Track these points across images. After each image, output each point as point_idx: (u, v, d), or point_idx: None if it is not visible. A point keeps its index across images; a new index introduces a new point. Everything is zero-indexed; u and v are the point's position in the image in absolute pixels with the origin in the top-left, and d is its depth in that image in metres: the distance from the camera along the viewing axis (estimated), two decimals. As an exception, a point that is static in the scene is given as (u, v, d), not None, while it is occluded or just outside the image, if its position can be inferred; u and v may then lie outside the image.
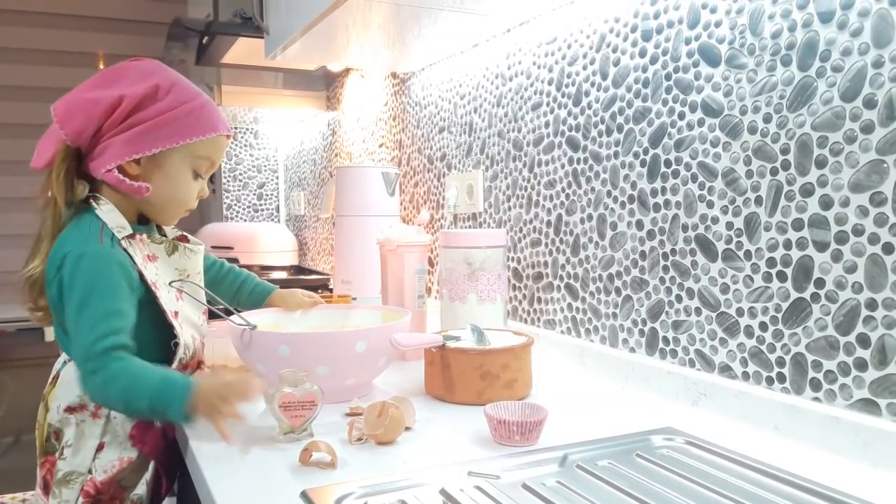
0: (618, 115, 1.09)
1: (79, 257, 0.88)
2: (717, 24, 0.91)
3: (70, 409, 0.94)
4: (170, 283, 0.98)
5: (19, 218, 2.77)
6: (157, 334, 0.95)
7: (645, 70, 1.03)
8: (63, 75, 2.82)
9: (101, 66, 2.90)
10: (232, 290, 1.17)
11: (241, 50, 1.97)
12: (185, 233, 1.09)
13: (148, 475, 0.96)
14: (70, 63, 2.83)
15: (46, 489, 0.96)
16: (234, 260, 1.68)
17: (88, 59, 2.87)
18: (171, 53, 2.17)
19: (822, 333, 0.79)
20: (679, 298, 0.98)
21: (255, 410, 0.95)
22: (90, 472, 0.93)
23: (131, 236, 0.95)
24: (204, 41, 2.00)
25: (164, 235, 1.05)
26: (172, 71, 0.98)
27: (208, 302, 1.05)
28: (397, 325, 1.00)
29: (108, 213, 0.94)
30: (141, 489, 0.96)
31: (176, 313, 0.97)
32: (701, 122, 0.94)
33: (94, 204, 0.94)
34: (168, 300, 0.96)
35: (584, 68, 1.16)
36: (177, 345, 0.95)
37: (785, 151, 0.83)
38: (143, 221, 1.02)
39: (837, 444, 0.75)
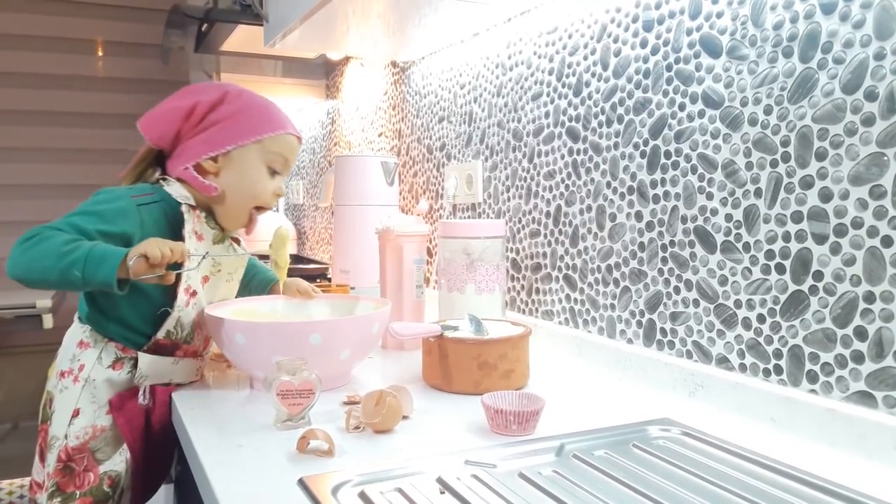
0: (618, 105, 1.09)
1: (105, 190, 0.96)
2: (719, 15, 0.91)
3: (61, 374, 0.98)
4: (202, 257, 0.99)
5: (18, 205, 2.77)
6: (162, 300, 0.97)
7: (646, 61, 1.03)
8: (61, 62, 2.82)
9: (100, 53, 2.90)
10: (245, 278, 1.20)
11: (241, 37, 1.96)
12: (239, 238, 1.12)
13: (128, 454, 0.97)
14: (69, 50, 2.82)
15: (42, 457, 0.98)
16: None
17: (87, 45, 2.86)
18: (169, 41, 2.16)
19: (820, 326, 0.79)
20: (677, 290, 0.98)
21: (239, 397, 0.96)
22: (66, 437, 0.95)
23: (193, 207, 0.99)
24: (203, 28, 1.99)
25: (223, 230, 1.06)
26: (243, 86, 1.06)
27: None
28: (354, 319, 0.99)
29: (175, 187, 1.00)
30: (119, 466, 0.97)
31: (194, 293, 0.98)
32: (701, 114, 0.94)
33: (162, 183, 1.00)
34: (192, 275, 0.98)
35: (585, 58, 1.16)
36: (167, 313, 0.96)
37: (785, 143, 0.83)
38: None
39: (833, 436, 0.76)
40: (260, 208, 1.05)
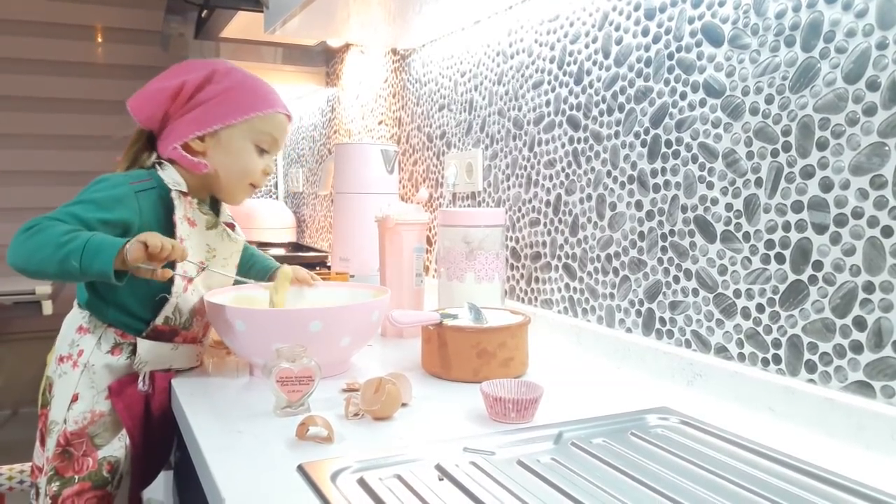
0: (619, 94, 1.08)
1: (103, 178, 0.95)
2: (721, 4, 0.90)
3: (60, 359, 0.98)
4: (199, 265, 1.00)
5: (18, 192, 2.76)
6: (160, 285, 0.96)
7: (647, 49, 1.03)
8: (61, 48, 2.80)
9: (100, 40, 2.88)
10: (245, 267, 1.20)
11: (241, 24, 1.95)
12: (234, 223, 1.11)
13: (127, 439, 0.98)
14: (68, 36, 2.80)
15: (43, 442, 0.99)
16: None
17: (86, 31, 2.85)
18: (169, 27, 2.15)
19: (819, 316, 0.79)
20: (677, 279, 0.98)
21: (238, 384, 0.96)
22: (64, 422, 0.96)
23: (184, 194, 0.99)
24: (203, 15, 1.98)
25: (217, 216, 1.06)
26: (232, 64, 1.04)
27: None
28: (354, 306, 0.98)
29: (169, 172, 0.99)
30: (118, 451, 0.97)
31: (191, 279, 0.99)
32: (703, 103, 0.93)
33: (157, 167, 1.00)
34: (188, 264, 0.97)
35: (587, 47, 1.15)
36: (165, 299, 0.96)
37: (786, 133, 0.82)
38: (214, 203, 1.08)
39: (831, 425, 0.76)
40: (252, 185, 1.06)
